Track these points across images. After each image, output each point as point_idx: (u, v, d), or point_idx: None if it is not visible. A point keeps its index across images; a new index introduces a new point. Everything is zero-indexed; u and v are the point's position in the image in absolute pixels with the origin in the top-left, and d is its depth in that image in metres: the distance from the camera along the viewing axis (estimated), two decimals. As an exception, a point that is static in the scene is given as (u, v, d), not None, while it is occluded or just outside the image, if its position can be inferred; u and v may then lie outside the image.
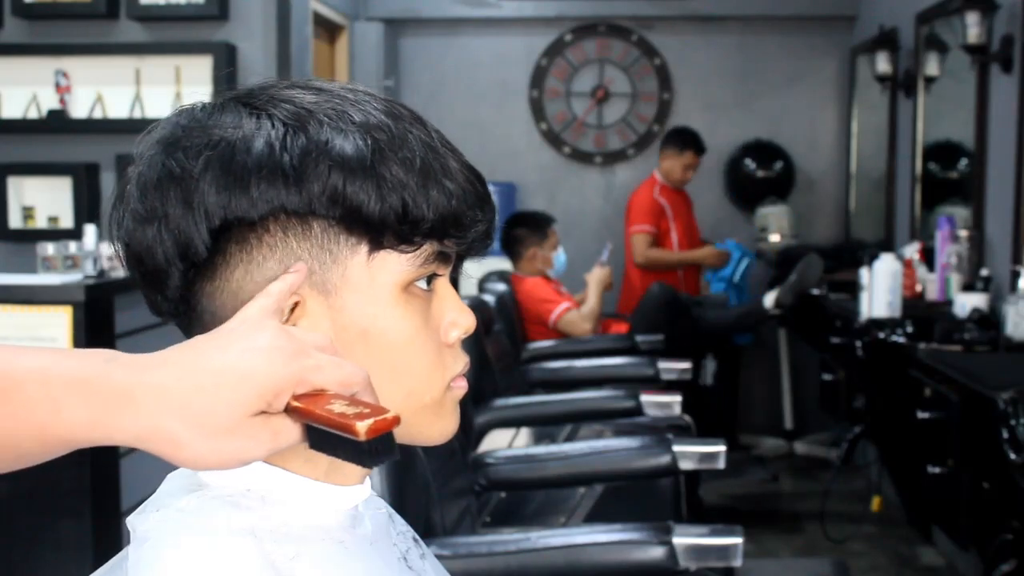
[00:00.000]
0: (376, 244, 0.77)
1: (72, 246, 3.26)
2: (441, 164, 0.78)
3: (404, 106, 0.81)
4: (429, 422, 0.83)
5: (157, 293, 0.80)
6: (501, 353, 3.62)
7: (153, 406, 0.66)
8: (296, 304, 0.77)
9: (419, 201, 0.76)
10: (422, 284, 0.81)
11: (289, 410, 0.68)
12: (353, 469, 0.83)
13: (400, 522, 0.92)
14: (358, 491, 0.84)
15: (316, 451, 0.70)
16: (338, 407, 0.68)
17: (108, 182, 4.14)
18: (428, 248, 0.79)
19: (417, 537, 0.93)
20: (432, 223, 0.77)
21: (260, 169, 0.75)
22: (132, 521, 0.79)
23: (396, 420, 0.67)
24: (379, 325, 0.79)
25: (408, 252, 0.78)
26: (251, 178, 0.75)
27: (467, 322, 0.83)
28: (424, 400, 0.82)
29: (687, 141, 5.05)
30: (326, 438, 0.68)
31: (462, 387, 0.84)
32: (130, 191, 0.79)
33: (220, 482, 0.79)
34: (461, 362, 0.84)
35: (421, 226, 0.77)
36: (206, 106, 0.79)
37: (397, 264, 0.78)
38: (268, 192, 0.75)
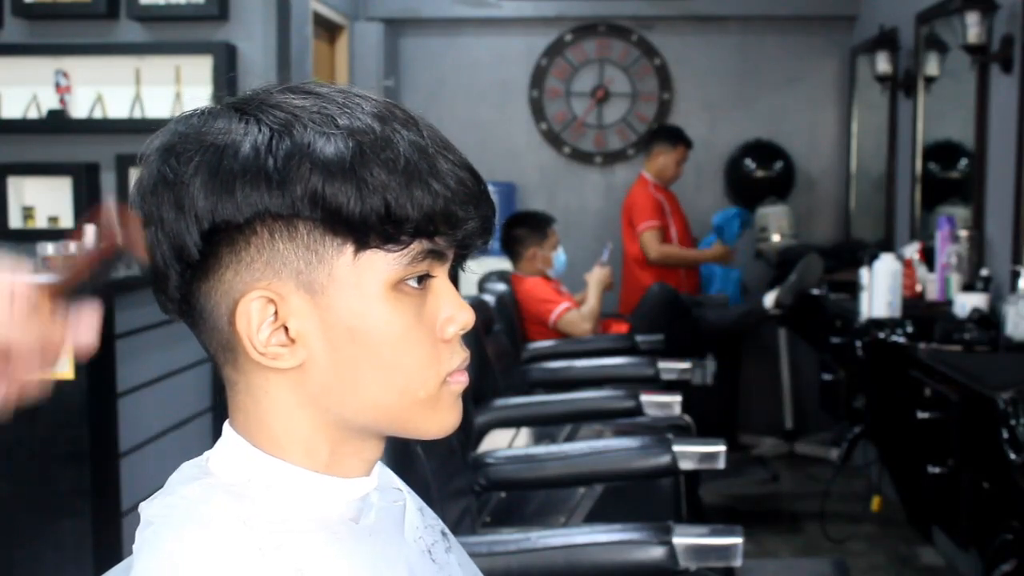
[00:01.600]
0: (361, 244, 0.79)
1: (72, 246, 3.26)
2: (429, 164, 0.79)
3: (398, 107, 0.82)
4: (426, 416, 0.84)
5: (161, 293, 0.82)
6: (501, 353, 3.62)
7: None
8: (276, 304, 0.79)
9: (402, 201, 0.77)
10: (413, 282, 0.82)
11: None
12: (355, 462, 0.84)
13: (430, 515, 0.94)
14: (361, 483, 0.86)
15: None
16: None
17: (108, 182, 4.14)
18: (417, 247, 0.80)
19: (446, 530, 0.95)
20: (417, 222, 0.78)
21: (245, 173, 0.77)
22: (142, 507, 0.83)
23: None
24: (367, 323, 0.80)
25: (395, 251, 0.79)
26: (236, 182, 0.77)
27: (464, 318, 0.84)
28: (418, 395, 0.83)
29: (677, 136, 5.08)
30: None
31: (461, 381, 0.85)
32: (132, 195, 0.82)
33: (225, 472, 0.83)
34: (459, 357, 0.85)
35: (405, 226, 0.78)
36: (203, 112, 0.81)
37: (384, 263, 0.80)
38: (252, 195, 0.77)
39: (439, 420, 0.85)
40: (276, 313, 0.79)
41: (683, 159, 5.08)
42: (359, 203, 0.77)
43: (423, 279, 0.82)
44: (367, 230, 0.78)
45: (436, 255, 0.81)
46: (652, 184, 5.05)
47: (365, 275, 0.79)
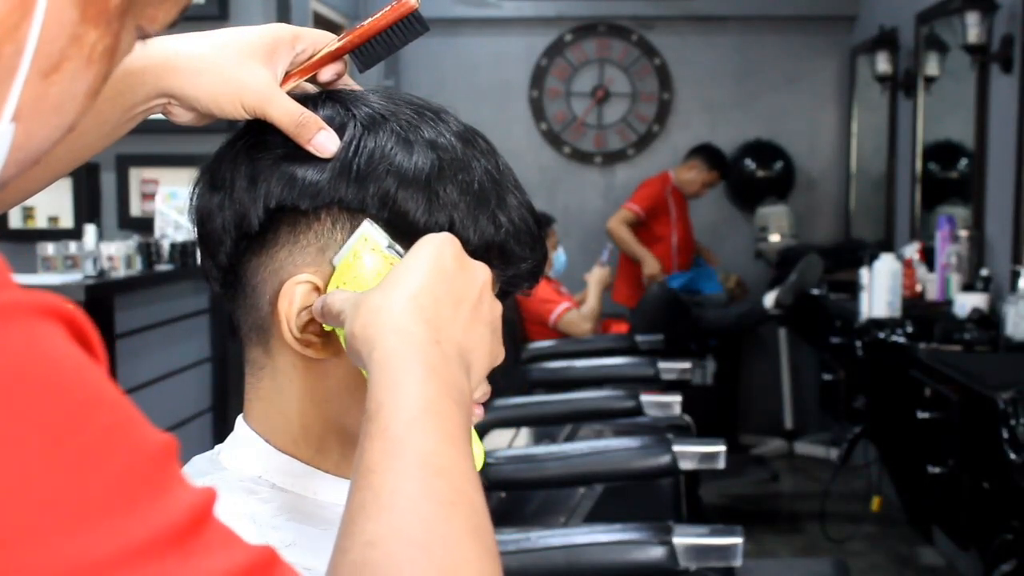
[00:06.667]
0: None
1: (72, 246, 3.26)
2: (499, 196, 0.81)
3: (483, 137, 0.85)
4: None
5: (210, 258, 0.83)
6: (501, 353, 3.62)
7: None
8: (320, 293, 0.79)
9: (466, 224, 0.79)
10: None
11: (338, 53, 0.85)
12: None
13: None
14: None
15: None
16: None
17: (108, 182, 4.14)
18: None
19: None
20: (475, 248, 0.79)
21: (327, 161, 0.79)
22: None
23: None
24: None
25: None
26: (316, 168, 0.79)
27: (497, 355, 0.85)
28: None
29: (718, 162, 5.19)
30: (375, 47, 0.85)
31: (477, 414, 0.85)
32: (211, 161, 0.83)
33: (235, 467, 0.83)
34: (480, 390, 0.84)
35: (463, 248, 0.79)
36: (303, 100, 0.83)
37: None
38: (328, 183, 0.79)
39: None
40: None
41: (712, 183, 5.17)
42: (426, 214, 0.78)
43: None
44: None
45: None
46: (671, 185, 5.12)
47: None
